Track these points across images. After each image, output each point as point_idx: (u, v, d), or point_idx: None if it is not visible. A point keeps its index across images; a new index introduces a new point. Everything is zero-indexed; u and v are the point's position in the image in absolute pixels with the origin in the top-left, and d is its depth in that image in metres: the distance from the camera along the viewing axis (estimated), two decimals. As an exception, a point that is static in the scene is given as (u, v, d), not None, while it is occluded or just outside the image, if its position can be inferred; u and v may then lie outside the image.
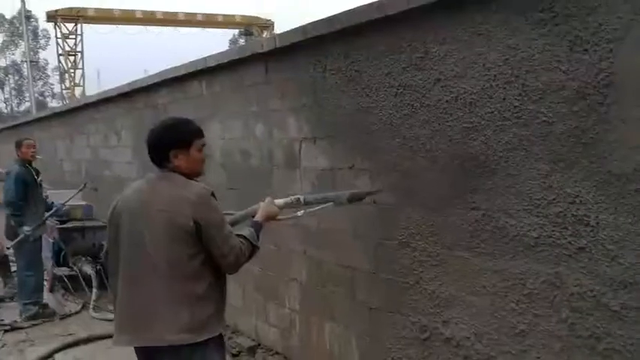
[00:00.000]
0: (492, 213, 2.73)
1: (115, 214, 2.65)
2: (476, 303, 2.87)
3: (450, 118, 2.88)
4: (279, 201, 3.04)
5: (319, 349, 4.08)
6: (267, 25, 37.66)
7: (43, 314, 5.93)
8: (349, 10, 3.42)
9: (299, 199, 3.19)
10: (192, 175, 2.64)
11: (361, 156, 3.51)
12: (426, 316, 3.16)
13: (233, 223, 2.79)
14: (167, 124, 2.71)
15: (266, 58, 4.37)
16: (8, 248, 6.30)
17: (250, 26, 38.03)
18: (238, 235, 2.60)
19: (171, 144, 2.59)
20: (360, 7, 3.33)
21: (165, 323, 2.44)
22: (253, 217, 2.85)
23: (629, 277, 2.22)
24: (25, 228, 5.86)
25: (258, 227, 2.75)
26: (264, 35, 36.38)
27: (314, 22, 3.77)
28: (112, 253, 2.66)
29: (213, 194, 2.56)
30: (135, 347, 2.59)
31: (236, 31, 47.38)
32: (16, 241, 5.83)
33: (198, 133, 2.70)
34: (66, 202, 6.75)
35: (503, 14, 2.61)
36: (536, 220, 2.54)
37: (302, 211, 3.23)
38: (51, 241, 6.78)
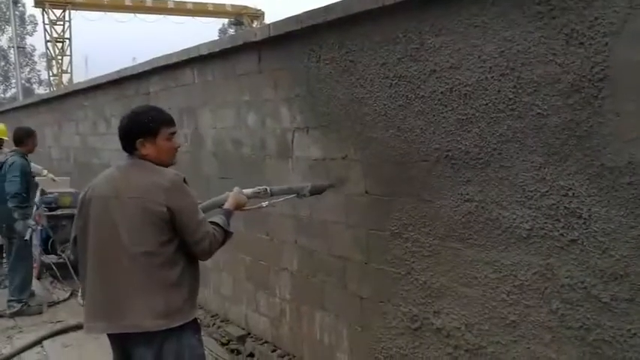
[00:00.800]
0: (485, 205, 2.75)
1: (84, 202, 2.64)
2: (467, 294, 2.89)
3: (445, 109, 2.89)
4: (247, 191, 3.17)
5: (309, 339, 4.10)
6: (258, 14, 37.42)
7: (28, 310, 5.82)
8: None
9: (266, 189, 3.34)
10: (161, 164, 2.64)
11: (354, 146, 3.51)
12: (417, 307, 3.18)
13: (203, 211, 2.78)
14: (135, 112, 2.71)
15: (259, 47, 4.35)
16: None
17: (240, 16, 37.81)
18: (211, 222, 2.65)
19: (138, 133, 2.60)
20: (356, -4, 3.32)
21: (139, 310, 2.46)
22: (222, 206, 2.92)
23: (620, 269, 2.25)
24: (31, 222, 5.76)
25: (228, 214, 2.81)
26: (254, 25, 36.19)
27: (309, 11, 3.75)
28: (81, 241, 2.64)
29: (185, 180, 2.60)
30: (109, 335, 2.61)
31: (226, 21, 47.09)
32: (19, 228, 5.65)
33: (167, 122, 2.70)
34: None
35: (500, 6, 2.61)
36: (529, 212, 2.56)
37: (267, 202, 3.36)
38: (39, 228, 6.74)
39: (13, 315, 5.72)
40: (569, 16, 2.34)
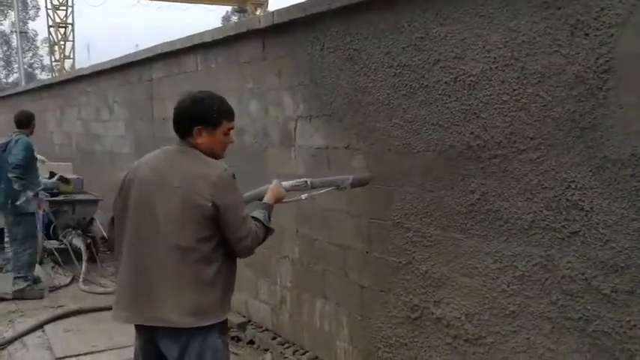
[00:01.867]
0: (487, 196, 2.75)
1: (126, 182, 2.55)
2: (468, 284, 2.90)
3: (449, 99, 2.89)
4: (287, 183, 3.05)
5: (310, 326, 4.12)
6: (261, 2, 37.23)
7: (31, 292, 5.83)
8: (349, -13, 3.39)
9: (306, 182, 3.21)
10: (209, 154, 2.52)
11: (357, 136, 3.51)
12: (418, 296, 3.19)
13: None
14: (199, 97, 2.54)
15: (263, 35, 4.34)
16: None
17: (244, 3, 37.60)
18: (251, 217, 2.54)
19: (198, 120, 2.47)
20: (361, -15, 3.30)
21: (169, 304, 2.37)
22: (261, 199, 2.82)
23: (621, 261, 2.26)
24: (29, 192, 5.83)
25: (269, 209, 2.69)
26: (257, 13, 36.01)
27: (313, -1, 3.74)
28: (119, 224, 2.57)
29: (234, 175, 2.48)
30: (135, 325, 2.53)
31: (229, 8, 46.91)
32: (22, 199, 5.73)
33: (230, 115, 2.60)
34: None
35: (505, -4, 2.60)
36: (531, 204, 2.56)
37: (306, 195, 3.24)
38: (41, 213, 6.74)
39: (16, 293, 5.76)
40: (575, 6, 2.33)
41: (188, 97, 2.54)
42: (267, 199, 2.78)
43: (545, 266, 2.54)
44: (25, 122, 6.13)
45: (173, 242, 2.37)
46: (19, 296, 5.74)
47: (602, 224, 2.31)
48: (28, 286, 5.84)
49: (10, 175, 5.69)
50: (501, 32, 2.62)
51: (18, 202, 5.75)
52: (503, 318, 2.74)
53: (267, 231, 2.60)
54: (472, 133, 2.79)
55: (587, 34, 2.30)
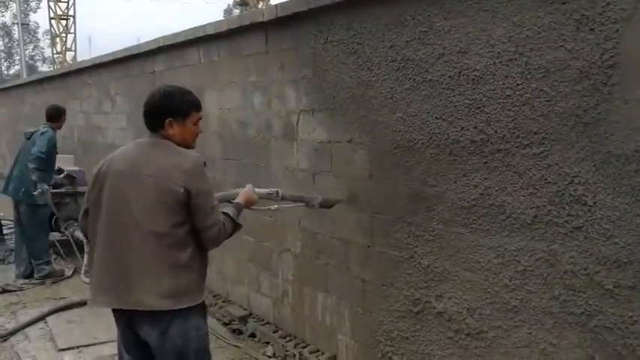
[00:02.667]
0: (490, 190, 2.75)
1: (100, 175, 2.62)
2: (470, 278, 2.90)
3: (452, 94, 2.88)
4: (260, 191, 3.17)
5: (311, 320, 4.13)
6: (263, -5, 37.13)
7: (54, 273, 6.14)
8: (353, -19, 3.39)
9: (277, 192, 3.35)
10: (183, 146, 2.64)
11: (360, 130, 3.51)
12: (419, 290, 3.20)
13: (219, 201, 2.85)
14: (167, 90, 2.67)
15: (266, 28, 4.33)
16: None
17: (246, -4, 37.49)
18: (227, 215, 2.66)
19: (169, 112, 2.60)
20: (365, -22, 3.29)
21: (146, 288, 2.44)
22: (233, 200, 2.93)
23: (624, 256, 2.26)
24: (45, 185, 5.93)
25: (239, 208, 2.81)
26: (259, 6, 35.88)
27: (317, -8, 3.73)
28: (93, 215, 2.63)
29: (205, 164, 2.59)
30: (114, 310, 2.60)
31: (231, 1, 46.74)
32: (38, 191, 5.84)
33: (198, 107, 2.72)
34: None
35: (510, -9, 2.59)
36: (534, 199, 2.56)
37: (276, 205, 3.39)
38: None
39: (43, 277, 6.02)
40: (580, 1, 2.33)
41: (157, 91, 2.66)
42: (239, 199, 2.90)
43: (548, 261, 2.54)
44: (54, 116, 6.25)
45: (148, 228, 2.45)
46: (46, 278, 6.03)
47: (605, 219, 2.31)
48: (51, 268, 6.14)
49: (29, 165, 5.79)
50: (505, 27, 2.61)
51: (35, 193, 5.86)
52: (505, 312, 2.75)
53: (235, 226, 2.70)
54: (475, 127, 2.79)
55: (592, 29, 2.29)
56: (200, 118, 2.73)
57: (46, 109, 6.39)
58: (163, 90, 2.67)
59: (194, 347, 2.57)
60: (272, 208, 3.34)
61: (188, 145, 2.67)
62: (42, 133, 5.97)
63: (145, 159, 2.55)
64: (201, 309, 2.64)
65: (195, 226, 2.53)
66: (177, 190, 2.45)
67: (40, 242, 6.14)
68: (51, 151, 5.96)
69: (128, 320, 2.56)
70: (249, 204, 2.95)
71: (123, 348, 2.68)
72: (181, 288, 2.49)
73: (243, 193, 2.96)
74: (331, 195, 3.67)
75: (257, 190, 3.10)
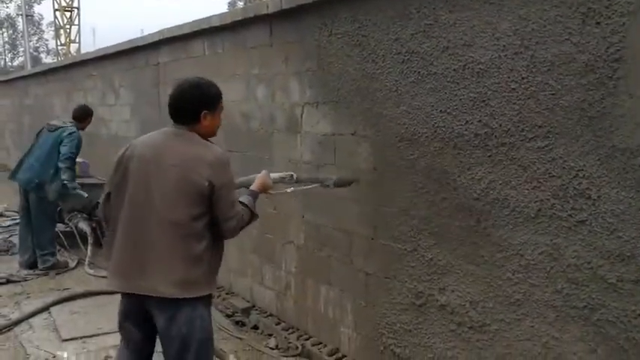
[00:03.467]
0: (494, 184, 2.75)
1: (124, 158, 2.65)
2: (473, 271, 2.91)
3: (457, 87, 2.88)
4: (274, 175, 3.20)
5: (314, 312, 4.14)
6: (268, -12, 37.04)
7: (59, 264, 6.16)
8: (359, -27, 3.38)
9: (292, 175, 3.38)
10: (207, 136, 2.69)
11: (364, 123, 3.51)
12: (422, 283, 3.20)
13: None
14: (196, 82, 2.69)
15: (271, 20, 4.33)
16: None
17: (250, -12, 37.39)
18: (244, 205, 2.72)
19: (205, 104, 2.64)
20: (370, -30, 3.29)
21: (159, 275, 2.51)
22: (249, 186, 2.96)
23: (628, 250, 2.26)
24: (77, 184, 6.14)
25: (255, 196, 2.86)
26: (263, -2, 35.64)
27: (321, -16, 3.72)
28: (115, 198, 2.66)
29: (228, 162, 2.63)
30: (124, 293, 2.66)
31: (235, -7, 46.65)
32: (72, 190, 6.04)
33: (221, 97, 2.76)
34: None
35: (516, -17, 2.58)
36: (538, 193, 2.56)
37: (292, 188, 3.42)
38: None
39: (48, 269, 6.02)
40: (587, -6, 2.32)
41: (185, 82, 2.67)
42: (254, 186, 2.93)
43: (551, 255, 2.54)
44: (82, 116, 6.36)
45: (167, 217, 2.50)
46: (50, 270, 6.04)
47: (609, 213, 2.31)
48: (56, 260, 6.15)
49: (61, 165, 5.92)
50: (511, 20, 2.60)
51: (48, 190, 5.97)
52: (507, 306, 2.76)
53: (252, 216, 2.76)
54: (480, 121, 2.79)
55: (598, 23, 2.29)
56: (222, 107, 2.77)
57: (74, 108, 6.50)
58: (193, 82, 2.68)
59: (198, 336, 2.61)
60: (287, 190, 3.35)
61: (213, 134, 2.73)
62: (70, 133, 6.03)
63: (169, 148, 2.58)
64: (209, 300, 2.70)
65: (215, 217, 2.58)
66: (201, 183, 2.49)
67: (46, 233, 6.16)
68: (77, 152, 6.12)
69: (141, 303, 2.61)
70: (264, 189, 2.99)
71: (129, 327, 2.74)
72: (192, 278, 2.54)
73: (258, 179, 2.97)
74: (345, 175, 3.63)
75: (272, 174, 3.12)
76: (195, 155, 2.54)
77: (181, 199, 2.51)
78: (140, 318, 2.68)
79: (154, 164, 2.56)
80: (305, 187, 3.54)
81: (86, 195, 6.21)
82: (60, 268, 6.14)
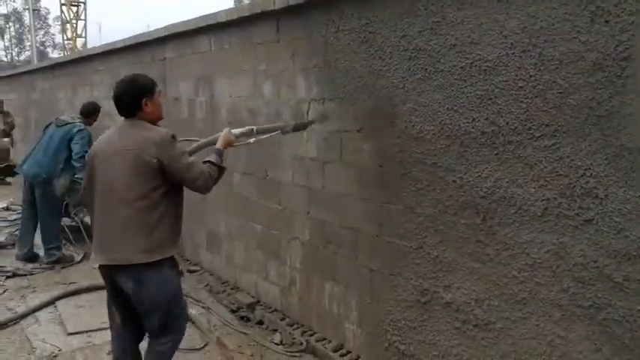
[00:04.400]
0: (501, 182, 2.75)
1: (91, 157, 3.10)
2: (478, 269, 2.91)
3: (464, 84, 2.87)
4: (236, 131, 3.52)
5: (318, 308, 4.15)
6: (274, -17, 36.99)
7: (64, 258, 6.19)
8: (366, -30, 3.37)
9: (252, 129, 3.66)
10: (156, 120, 3.13)
11: (370, 120, 3.50)
12: (428, 280, 3.20)
13: (197, 150, 3.44)
14: (129, 78, 3.12)
15: (277, 16, 4.32)
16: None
17: (256, -16, 37.32)
18: (206, 161, 3.10)
19: (142, 93, 3.04)
20: (378, -33, 3.28)
21: (127, 246, 2.88)
22: (215, 144, 3.34)
23: (634, 249, 2.25)
24: (65, 183, 6.12)
25: (220, 153, 3.24)
26: (270, -6, 35.54)
27: (329, -20, 3.71)
28: (88, 189, 3.09)
29: (173, 136, 3.00)
30: (100, 267, 3.02)
31: (241, -12, 46.52)
32: (59, 183, 6.03)
33: (156, 83, 3.17)
34: None
35: (525, -19, 2.57)
36: (545, 191, 2.56)
37: (254, 139, 3.69)
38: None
39: (52, 262, 6.06)
40: (596, -8, 2.31)
41: (122, 81, 3.10)
42: (218, 144, 3.31)
43: (558, 253, 2.54)
44: (88, 112, 6.41)
45: (125, 196, 2.89)
46: (55, 264, 6.08)
47: (616, 212, 2.30)
48: (61, 254, 6.18)
49: (76, 164, 5.99)
50: (519, 18, 2.59)
51: (56, 185, 6.01)
52: (513, 304, 2.75)
53: (220, 170, 3.15)
54: (487, 118, 2.78)
55: (607, 21, 2.28)
56: (160, 90, 3.19)
57: (83, 104, 6.55)
58: (128, 77, 3.11)
59: (165, 297, 2.98)
60: (250, 141, 3.62)
61: (159, 117, 3.16)
62: (79, 130, 6.08)
63: (122, 138, 2.99)
64: (172, 263, 3.04)
65: (181, 184, 3.02)
66: (151, 161, 2.88)
67: (52, 227, 6.19)
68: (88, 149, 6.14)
69: (111, 275, 2.99)
70: (228, 145, 3.37)
71: (111, 300, 3.14)
72: (154, 244, 2.90)
73: (221, 138, 3.36)
74: (302, 119, 3.99)
75: (233, 130, 3.46)
76: (144, 138, 2.92)
77: (136, 178, 2.88)
78: (114, 292, 3.06)
79: (112, 153, 2.96)
80: (267, 136, 3.80)
81: (61, 193, 6.21)
82: (65, 262, 6.17)
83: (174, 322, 3.09)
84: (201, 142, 3.55)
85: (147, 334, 3.18)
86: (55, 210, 6.24)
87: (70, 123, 6.16)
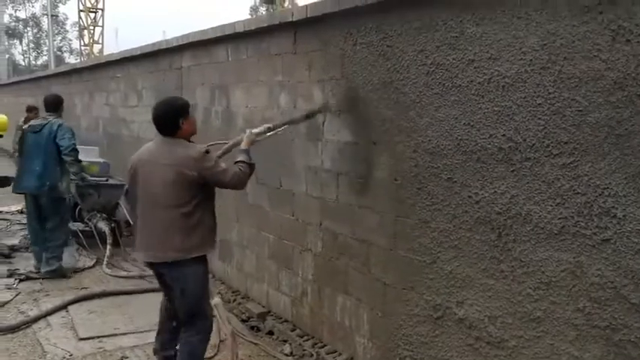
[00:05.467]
0: (517, 199, 2.73)
1: (133, 164, 3.56)
2: (493, 286, 2.89)
3: (482, 100, 2.87)
4: (255, 130, 3.85)
5: (330, 320, 4.14)
6: (290, -7, 37.21)
7: (61, 270, 5.98)
8: (385, -16, 3.38)
9: (269, 127, 3.94)
10: (189, 136, 3.55)
11: (386, 132, 3.50)
12: (441, 296, 3.18)
13: (225, 152, 3.81)
14: (171, 100, 3.65)
15: (295, 28, 4.35)
16: None
17: (272, -6, 37.58)
18: (237, 162, 3.54)
19: (180, 114, 3.47)
20: (397, -19, 3.29)
21: (166, 245, 3.38)
22: (239, 144, 3.74)
23: (653, 271, 2.23)
24: (88, 175, 6.26)
25: (247, 152, 3.66)
26: (285, 4, 35.92)
27: (347, -7, 3.73)
28: (132, 193, 3.62)
29: (207, 151, 3.44)
30: (148, 262, 3.56)
31: (257, -1, 46.90)
32: (63, 185, 5.98)
33: (189, 103, 3.64)
34: None
35: (545, -2, 2.57)
36: (562, 209, 2.54)
37: (271, 132, 3.95)
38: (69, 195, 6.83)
39: (48, 273, 5.87)
40: (617, 11, 2.30)
41: (160, 104, 3.56)
42: (243, 145, 3.71)
43: (574, 272, 2.52)
44: (59, 105, 6.27)
45: (167, 203, 3.36)
46: (51, 276, 5.86)
47: (634, 233, 2.28)
48: (59, 266, 5.97)
49: (67, 158, 5.86)
50: (539, 35, 2.59)
51: (60, 188, 5.93)
52: (527, 322, 2.73)
53: (250, 166, 3.59)
54: (504, 135, 2.77)
55: (628, 40, 2.27)
56: (192, 111, 3.69)
57: (48, 98, 6.31)
58: (165, 100, 3.62)
59: (192, 286, 3.46)
60: (268, 135, 3.92)
61: (194, 134, 3.59)
62: (60, 125, 5.93)
63: (164, 152, 3.43)
64: (202, 261, 3.50)
65: (219, 186, 3.50)
66: (191, 174, 3.34)
67: (57, 236, 6.04)
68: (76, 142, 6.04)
69: (156, 267, 3.53)
70: (251, 144, 3.74)
71: (159, 284, 3.70)
72: (189, 245, 3.38)
73: (246, 138, 3.75)
74: (312, 107, 4.15)
75: (254, 130, 3.83)
76: (183, 155, 3.37)
77: (177, 188, 3.34)
78: (159, 278, 3.62)
79: (155, 165, 3.42)
80: (283, 129, 4.03)
81: (90, 178, 6.25)
82: (63, 274, 5.96)
83: (199, 315, 3.54)
84: (228, 145, 3.90)
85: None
86: (62, 216, 6.13)
87: (46, 124, 5.97)
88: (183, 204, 3.34)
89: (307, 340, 4.31)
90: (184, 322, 3.57)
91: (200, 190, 3.39)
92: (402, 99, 3.35)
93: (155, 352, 3.79)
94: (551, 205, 2.58)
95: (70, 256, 6.36)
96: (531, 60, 2.63)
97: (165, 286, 3.64)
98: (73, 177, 6.04)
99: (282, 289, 4.73)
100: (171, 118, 3.45)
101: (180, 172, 3.32)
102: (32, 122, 6.27)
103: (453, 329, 3.13)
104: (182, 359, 3.59)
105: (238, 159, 3.58)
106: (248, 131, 3.83)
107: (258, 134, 3.83)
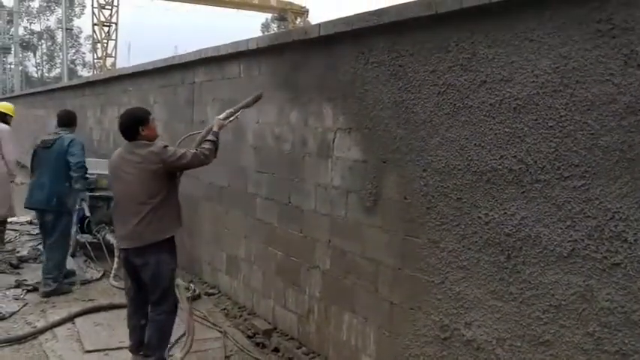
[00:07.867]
0: (527, 221, 2.73)
1: (109, 168, 4.17)
2: (501, 308, 2.87)
3: (493, 121, 2.87)
4: (222, 115, 4.43)
5: (336, 339, 4.12)
6: (302, 12, 37.57)
7: (60, 289, 5.86)
8: (398, 4, 3.41)
9: (232, 112, 4.48)
10: (152, 139, 4.06)
11: (396, 151, 3.51)
12: (448, 317, 3.17)
13: (203, 139, 4.21)
14: (132, 111, 4.23)
15: (307, 46, 4.38)
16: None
17: (285, 11, 37.96)
18: (206, 140, 4.15)
19: (140, 122, 4.03)
20: (410, 2, 3.31)
21: (137, 234, 3.90)
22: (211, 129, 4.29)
23: (664, 297, 2.21)
24: (82, 194, 6.27)
25: (216, 134, 4.23)
26: (297, 22, 36.22)
27: (360, 13, 3.76)
28: (112, 191, 4.23)
29: (165, 146, 3.99)
30: (122, 249, 4.11)
31: (269, 16, 47.37)
32: (70, 200, 5.98)
33: (150, 114, 4.20)
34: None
35: (557, 22, 2.58)
36: (572, 232, 2.53)
37: (232, 117, 4.48)
38: (77, 207, 6.84)
39: (47, 294, 5.73)
40: (630, 36, 2.31)
41: (125, 114, 4.14)
42: (215, 128, 4.27)
43: (584, 296, 2.50)
44: (70, 121, 6.24)
45: (137, 198, 3.91)
46: (49, 295, 5.73)
47: (645, 258, 2.27)
48: (58, 285, 5.83)
49: (74, 174, 5.79)
50: (552, 58, 2.60)
51: (68, 203, 5.91)
52: (536, 346, 2.71)
53: (214, 143, 4.14)
54: (515, 156, 2.78)
55: (640, 65, 2.27)
56: (153, 119, 4.19)
57: (60, 115, 6.33)
58: (128, 111, 4.19)
59: (162, 269, 3.96)
60: (231, 119, 4.46)
61: (155, 137, 4.13)
62: (71, 141, 5.90)
63: (131, 153, 3.97)
64: (169, 247, 4.03)
65: (180, 170, 4.06)
66: (158, 167, 3.89)
67: (57, 255, 5.93)
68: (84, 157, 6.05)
69: (127, 254, 4.03)
70: (221, 127, 4.30)
71: (127, 275, 4.16)
72: (157, 232, 3.93)
73: (215, 124, 4.29)
74: (256, 93, 4.73)
75: (220, 116, 4.40)
76: (147, 152, 3.91)
77: (145, 183, 3.89)
78: (130, 268, 4.07)
79: (125, 165, 3.97)
80: (241, 112, 4.55)
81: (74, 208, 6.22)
82: (61, 293, 5.82)
83: (168, 293, 4.03)
84: (203, 132, 4.35)
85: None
86: (62, 234, 6.00)
87: (58, 139, 5.94)
88: (154, 195, 3.89)
89: (313, 358, 4.29)
90: (154, 301, 4.02)
91: (167, 180, 3.95)
92: (413, 118, 3.37)
93: (131, 351, 4.14)
94: (561, 228, 2.57)
95: (77, 268, 6.35)
96: (543, 82, 2.64)
97: (135, 273, 4.05)
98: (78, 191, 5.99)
99: (288, 306, 4.71)
100: (133, 127, 4.00)
101: (147, 169, 3.88)
102: (44, 137, 6.18)
103: (461, 350, 3.11)
104: (152, 335, 4.02)
105: (207, 138, 4.19)
106: (216, 118, 4.42)
107: (225, 118, 4.41)
